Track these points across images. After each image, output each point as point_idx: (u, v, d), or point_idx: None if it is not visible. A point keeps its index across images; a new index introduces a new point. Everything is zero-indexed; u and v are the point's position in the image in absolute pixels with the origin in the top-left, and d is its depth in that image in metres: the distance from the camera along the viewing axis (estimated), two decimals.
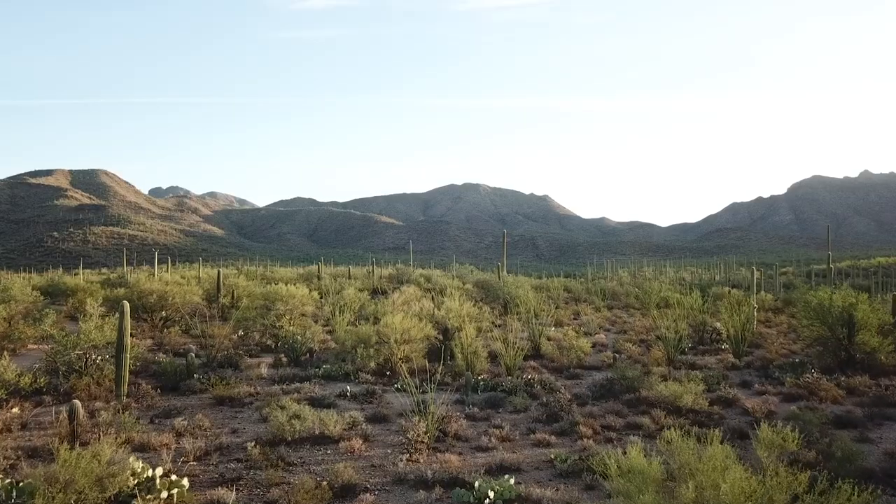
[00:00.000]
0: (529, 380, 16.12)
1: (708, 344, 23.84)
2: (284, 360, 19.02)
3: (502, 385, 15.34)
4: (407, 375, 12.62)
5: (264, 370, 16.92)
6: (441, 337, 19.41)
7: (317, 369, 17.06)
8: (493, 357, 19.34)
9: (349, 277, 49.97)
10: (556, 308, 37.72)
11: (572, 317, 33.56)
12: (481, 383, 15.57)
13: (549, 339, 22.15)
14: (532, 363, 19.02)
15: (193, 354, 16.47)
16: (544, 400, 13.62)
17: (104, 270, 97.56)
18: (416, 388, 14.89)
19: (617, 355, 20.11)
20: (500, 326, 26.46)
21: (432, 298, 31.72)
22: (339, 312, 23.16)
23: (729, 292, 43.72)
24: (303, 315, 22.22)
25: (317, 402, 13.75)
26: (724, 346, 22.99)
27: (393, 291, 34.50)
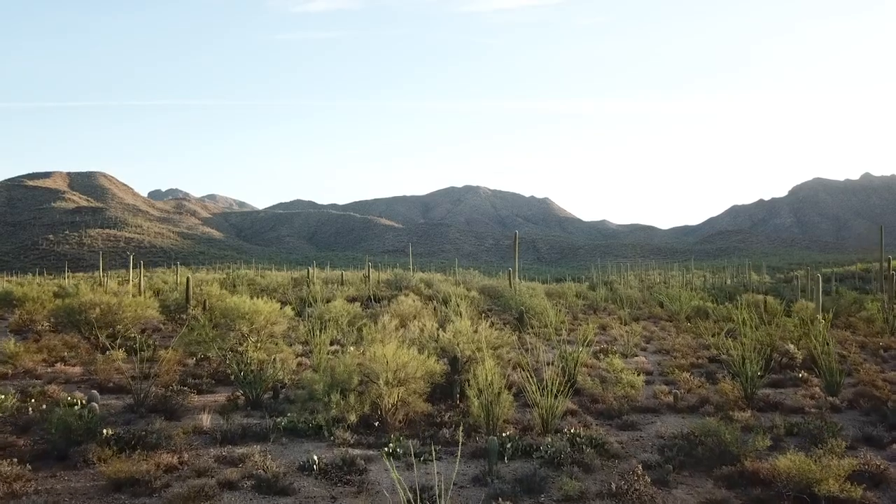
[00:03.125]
0: (573, 435, 11.49)
1: (777, 371, 19.17)
2: (242, 399, 14.41)
3: (539, 449, 10.69)
4: (399, 440, 7.99)
5: (206, 420, 12.28)
6: (448, 367, 14.80)
7: (280, 419, 12.42)
8: (516, 393, 14.73)
9: (341, 283, 45.31)
10: (576, 319, 33.15)
11: (598, 330, 28.82)
12: (509, 444, 10.93)
13: (584, 365, 17.53)
14: (568, 403, 14.37)
15: (97, 404, 11.77)
16: (613, 488, 8.95)
17: (96, 274, 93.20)
18: (416, 451, 10.35)
19: (677, 391, 15.44)
20: (515, 345, 21.82)
21: (434, 310, 27.07)
22: (320, 331, 18.52)
23: (765, 300, 39.19)
24: (271, 336, 17.56)
25: (265, 487, 9.11)
26: (801, 374, 18.36)
27: (389, 302, 29.84)
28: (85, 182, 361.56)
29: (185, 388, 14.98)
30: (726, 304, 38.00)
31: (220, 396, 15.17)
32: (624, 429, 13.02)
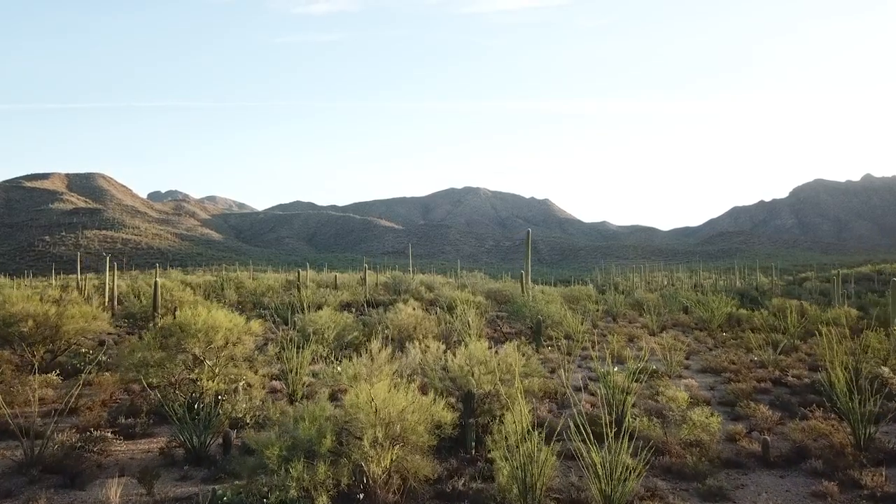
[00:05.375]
0: None
1: (869, 402, 15.35)
2: (181, 450, 10.65)
3: None
4: None
5: (115, 492, 8.51)
6: (460, 406, 11.06)
7: (221, 488, 8.65)
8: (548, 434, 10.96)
9: (335, 287, 41.48)
10: (595, 328, 29.44)
11: (626, 343, 24.97)
12: None
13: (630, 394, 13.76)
14: (629, 458, 10.59)
15: None
16: None
17: (89, 276, 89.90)
18: None
19: (766, 437, 11.65)
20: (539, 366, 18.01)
21: (438, 319, 23.32)
22: (299, 348, 14.83)
23: (802, 306, 35.42)
24: (232, 359, 13.81)
25: None
26: None
27: (386, 309, 26.06)
28: (83, 183, 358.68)
29: (109, 434, 11.20)
30: (761, 310, 34.32)
31: (157, 443, 11.41)
32: (709, 499, 9.26)
